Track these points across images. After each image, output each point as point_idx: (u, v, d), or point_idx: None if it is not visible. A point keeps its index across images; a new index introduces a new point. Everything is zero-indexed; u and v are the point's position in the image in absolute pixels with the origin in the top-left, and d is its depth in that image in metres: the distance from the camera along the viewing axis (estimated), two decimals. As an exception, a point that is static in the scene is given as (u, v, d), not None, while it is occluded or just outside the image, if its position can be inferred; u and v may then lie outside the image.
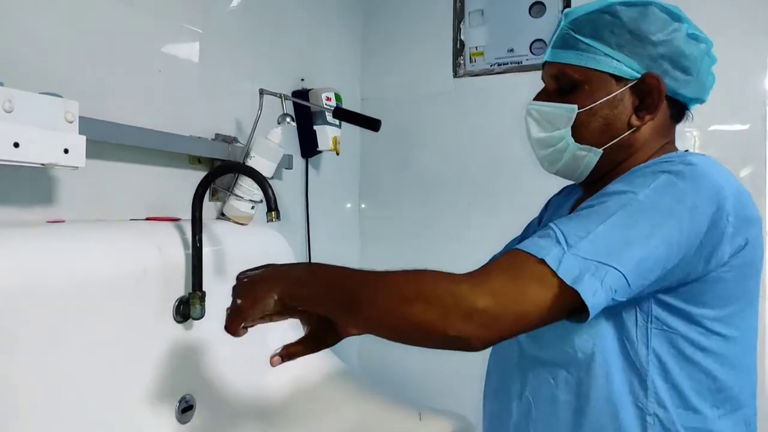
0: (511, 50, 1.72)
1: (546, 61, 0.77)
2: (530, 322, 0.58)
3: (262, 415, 1.08)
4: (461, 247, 1.81)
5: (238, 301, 0.66)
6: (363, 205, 1.97)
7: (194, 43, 1.19)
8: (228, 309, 0.68)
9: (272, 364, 0.70)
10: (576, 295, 0.56)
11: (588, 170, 0.76)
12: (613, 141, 0.73)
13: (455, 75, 1.80)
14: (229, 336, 0.72)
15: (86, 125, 0.84)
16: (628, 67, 0.70)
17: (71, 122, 0.80)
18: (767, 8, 1.47)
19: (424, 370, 1.74)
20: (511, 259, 0.60)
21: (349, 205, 1.93)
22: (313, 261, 1.61)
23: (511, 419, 0.75)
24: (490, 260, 1.00)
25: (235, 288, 0.69)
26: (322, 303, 0.64)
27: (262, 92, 1.22)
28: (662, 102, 0.70)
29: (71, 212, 0.92)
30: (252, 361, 1.08)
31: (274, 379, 1.11)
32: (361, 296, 0.60)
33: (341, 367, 1.21)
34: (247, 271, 0.71)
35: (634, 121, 0.72)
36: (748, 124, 1.53)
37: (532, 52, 1.69)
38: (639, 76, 0.70)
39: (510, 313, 0.57)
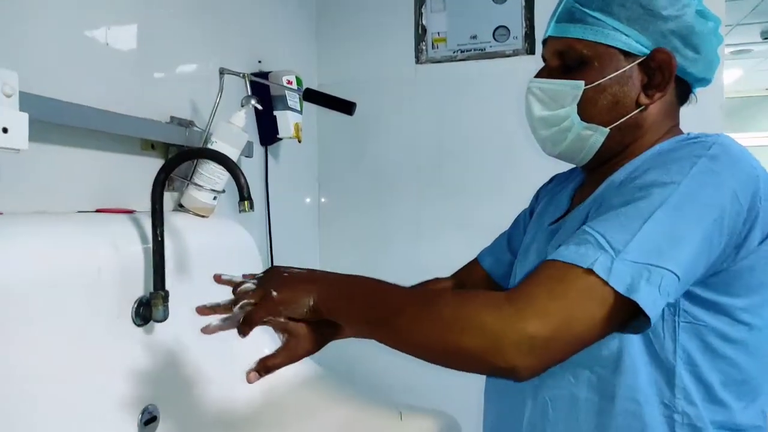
0: (474, 37, 1.69)
1: (549, 36, 0.73)
2: (585, 342, 0.54)
3: (233, 424, 0.99)
4: (421, 241, 1.77)
5: (273, 293, 0.62)
6: (323, 199, 1.89)
7: (144, 18, 1.07)
8: (248, 297, 0.63)
9: (249, 381, 0.64)
10: (632, 305, 0.52)
11: (593, 152, 0.72)
12: (621, 120, 0.70)
13: (417, 61, 1.76)
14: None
15: (25, 102, 0.72)
16: (637, 43, 0.68)
17: (10, 96, 0.68)
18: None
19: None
20: (552, 272, 0.55)
21: (308, 200, 1.84)
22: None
23: (524, 420, 0.71)
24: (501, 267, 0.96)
25: (269, 279, 0.64)
26: (357, 319, 0.61)
27: (222, 72, 1.11)
28: (672, 78, 0.68)
29: (8, 203, 0.79)
30: (220, 367, 0.99)
31: (244, 386, 1.02)
32: (402, 320, 0.57)
33: (314, 369, 1.14)
34: (283, 267, 0.67)
35: (643, 99, 0.69)
36: (701, 116, 1.56)
37: (495, 38, 1.67)
38: (648, 52, 0.68)
39: (562, 336, 0.52)
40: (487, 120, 1.69)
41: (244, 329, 0.64)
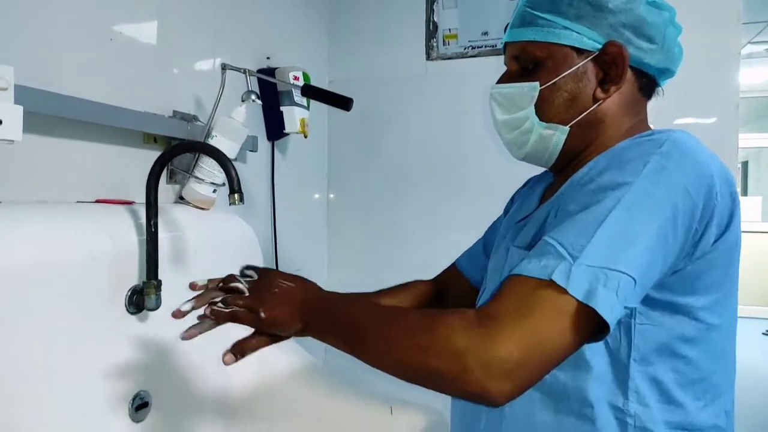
0: (486, 33, 1.68)
1: (506, 43, 0.75)
2: (559, 359, 0.54)
3: (225, 412, 1.02)
4: (430, 238, 1.76)
5: (262, 314, 0.62)
6: (332, 195, 1.90)
7: (150, 11, 1.09)
8: (235, 302, 0.63)
9: (225, 363, 0.65)
10: (592, 311, 0.51)
11: (557, 151, 0.72)
12: (580, 117, 0.70)
13: (428, 58, 1.75)
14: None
15: (25, 95, 0.75)
16: (588, 39, 0.68)
17: (5, 90, 0.70)
18: (740, -4, 1.46)
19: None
20: (518, 289, 0.55)
21: (317, 196, 1.86)
22: (282, 256, 1.54)
23: (482, 419, 0.71)
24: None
25: (261, 290, 0.64)
26: (336, 340, 0.62)
27: (224, 67, 1.13)
28: (626, 70, 0.68)
29: (8, 193, 0.82)
30: (213, 356, 1.00)
31: (236, 375, 1.04)
32: (375, 341, 0.59)
33: (309, 361, 1.15)
34: (277, 274, 0.67)
35: (599, 93, 0.69)
36: (715, 118, 1.52)
37: (506, 35, 1.65)
38: (600, 46, 0.68)
39: (535, 356, 0.52)
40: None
41: (228, 358, 0.65)
